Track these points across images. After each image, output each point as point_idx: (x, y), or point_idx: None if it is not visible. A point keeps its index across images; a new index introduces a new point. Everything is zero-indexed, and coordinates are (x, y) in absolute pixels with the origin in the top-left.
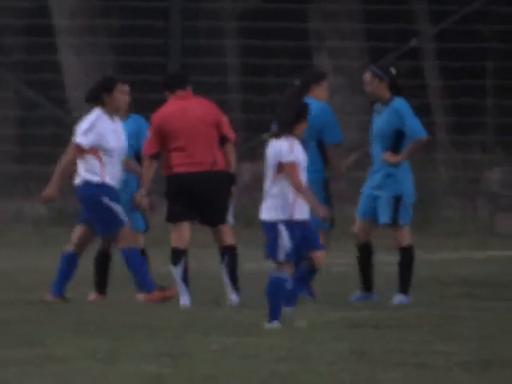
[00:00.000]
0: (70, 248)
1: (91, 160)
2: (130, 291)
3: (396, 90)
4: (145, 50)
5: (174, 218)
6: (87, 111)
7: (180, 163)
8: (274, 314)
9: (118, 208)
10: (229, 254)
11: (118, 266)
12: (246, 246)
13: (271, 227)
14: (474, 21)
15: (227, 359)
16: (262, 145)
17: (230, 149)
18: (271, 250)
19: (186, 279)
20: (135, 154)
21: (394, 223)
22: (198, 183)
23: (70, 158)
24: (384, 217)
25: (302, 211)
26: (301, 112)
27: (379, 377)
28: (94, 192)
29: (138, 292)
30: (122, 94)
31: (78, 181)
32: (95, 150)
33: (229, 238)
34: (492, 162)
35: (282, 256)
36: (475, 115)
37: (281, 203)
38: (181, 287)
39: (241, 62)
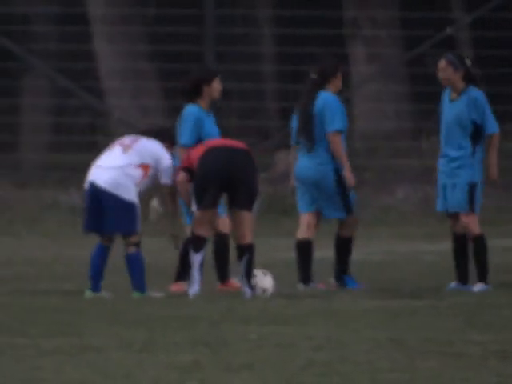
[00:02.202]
0: None
1: None
2: (166, 282)
3: (469, 81)
4: (179, 39)
5: (205, 205)
6: (122, 100)
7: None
8: None
9: None
10: (249, 252)
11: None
12: (282, 235)
13: None
14: (509, 9)
15: (264, 348)
16: None
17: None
18: None
19: (202, 269)
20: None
21: (471, 210)
22: (234, 158)
23: None
24: (459, 204)
25: None
26: None
27: (417, 365)
28: None
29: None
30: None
31: None
32: None
33: (249, 236)
34: None
35: None
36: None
37: None
38: (195, 275)
39: (276, 50)
